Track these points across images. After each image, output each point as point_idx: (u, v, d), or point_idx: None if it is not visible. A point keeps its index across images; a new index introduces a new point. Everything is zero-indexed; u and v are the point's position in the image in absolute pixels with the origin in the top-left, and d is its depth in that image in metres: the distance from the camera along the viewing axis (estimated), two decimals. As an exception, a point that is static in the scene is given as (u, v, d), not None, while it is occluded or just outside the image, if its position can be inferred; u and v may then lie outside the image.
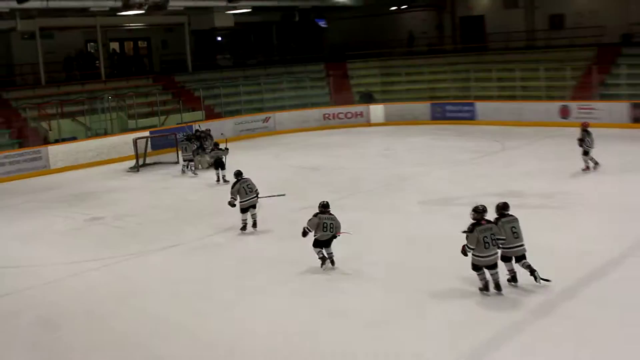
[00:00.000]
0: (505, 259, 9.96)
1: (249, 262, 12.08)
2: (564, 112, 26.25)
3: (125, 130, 26.47)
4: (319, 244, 11.31)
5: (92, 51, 32.27)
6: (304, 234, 11.31)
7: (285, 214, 14.94)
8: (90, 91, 27.94)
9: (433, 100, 30.72)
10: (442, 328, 8.90)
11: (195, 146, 21.50)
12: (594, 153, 17.43)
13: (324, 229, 11.22)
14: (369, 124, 31.02)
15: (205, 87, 30.78)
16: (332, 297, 10.19)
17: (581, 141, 17.24)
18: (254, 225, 14.05)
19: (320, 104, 32.47)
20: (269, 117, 30.29)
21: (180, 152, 22.23)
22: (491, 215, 9.97)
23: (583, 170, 17.40)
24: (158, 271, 11.96)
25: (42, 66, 27.60)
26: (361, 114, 31.20)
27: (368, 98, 32.18)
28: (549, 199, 15.10)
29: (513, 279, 10.00)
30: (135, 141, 23.17)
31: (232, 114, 30.08)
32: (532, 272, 9.88)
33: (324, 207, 11.42)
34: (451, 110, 29.71)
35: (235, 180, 14.09)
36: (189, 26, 32.39)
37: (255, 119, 29.95)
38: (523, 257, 9.92)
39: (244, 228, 13.94)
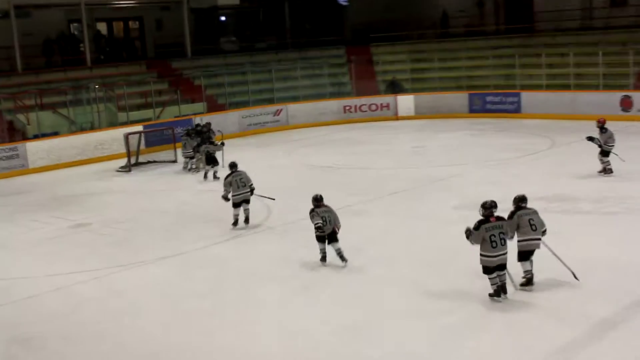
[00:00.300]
0: (523, 256, 10.59)
1: (257, 274, 12.20)
2: (626, 104, 26.11)
3: (114, 124, 26.74)
4: (320, 239, 12.28)
5: (76, 33, 32.64)
6: (317, 227, 12.21)
7: (298, 221, 15.06)
8: (74, 79, 28.26)
9: (471, 90, 30.82)
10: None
11: (196, 142, 21.73)
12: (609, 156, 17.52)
13: (323, 223, 12.11)
14: (396, 117, 31.09)
15: (207, 74, 31.02)
16: (348, 313, 10.28)
17: (594, 140, 17.37)
18: (246, 220, 15.14)
19: (340, 94, 32.58)
20: (281, 110, 30.45)
21: (181, 149, 22.51)
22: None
23: (599, 172, 17.61)
24: (155, 285, 12.06)
25: (18, 50, 27.94)
26: (387, 106, 31.30)
27: (395, 88, 32.21)
28: (605, 204, 15.14)
29: (528, 282, 10.59)
30: (126, 137, 23.39)
31: (237, 106, 30.28)
32: (529, 283, 10.64)
33: (317, 200, 12.35)
34: (492, 102, 29.76)
35: (229, 172, 15.16)
36: (188, 3, 32.67)
37: (264, 112, 30.13)
38: (532, 252, 10.67)
39: (235, 223, 15.08)
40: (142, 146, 24.90)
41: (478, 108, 29.96)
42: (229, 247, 13.97)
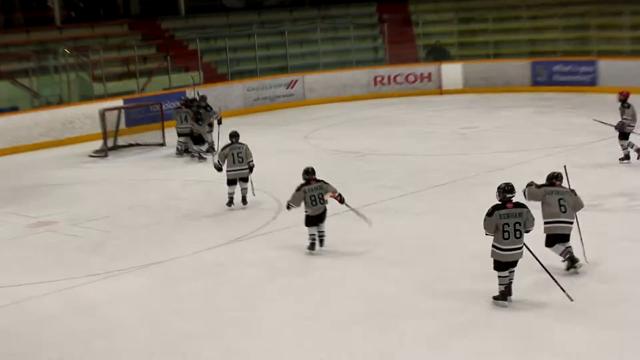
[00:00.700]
0: (552, 240, 11.47)
1: (260, 287, 12.14)
2: None
3: (88, 98, 26.78)
4: (311, 221, 13.13)
5: (42, -15, 32.64)
6: (288, 207, 13.43)
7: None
8: (40, 42, 28.33)
9: (534, 57, 30.80)
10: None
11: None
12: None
13: (312, 203, 13.00)
14: (440, 91, 31.13)
15: (205, 37, 31.02)
16: (369, 342, 10.09)
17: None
18: (243, 200, 16.29)
19: (369, 62, 32.57)
20: (296, 81, 30.46)
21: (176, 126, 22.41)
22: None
23: (621, 160, 18.06)
24: (133, 300, 11.96)
25: (-29, 6, 28.02)
26: (429, 77, 31.30)
27: (439, 54, 32.21)
28: None
29: (571, 260, 11.48)
30: (102, 114, 23.37)
31: (242, 76, 30.31)
32: (573, 261, 11.47)
33: (308, 173, 13.27)
34: (561, 72, 29.79)
35: (228, 142, 16.10)
36: (182, -53, 32.64)
37: (275, 84, 30.13)
38: (568, 237, 11.52)
39: (229, 203, 16.23)
40: (123, 125, 24.94)
41: (543, 80, 30.01)
42: (226, 252, 13.87)
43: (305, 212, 13.10)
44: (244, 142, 16.24)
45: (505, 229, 10.43)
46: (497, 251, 10.60)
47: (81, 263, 13.61)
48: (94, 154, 22.96)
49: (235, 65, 30.65)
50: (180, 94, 26.57)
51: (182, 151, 21.96)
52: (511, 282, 10.69)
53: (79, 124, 25.28)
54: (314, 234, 13.17)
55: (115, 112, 24.37)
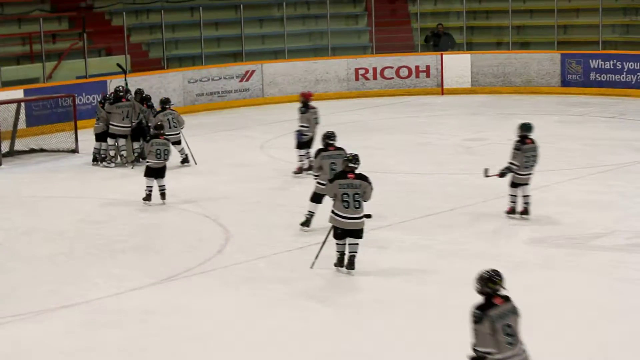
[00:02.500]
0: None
1: (200, 342, 12.10)
2: None
3: (-26, 87, 26.70)
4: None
5: None
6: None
7: (270, 256, 15.06)
8: None
9: (565, 48, 30.99)
10: None
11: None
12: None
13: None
14: (440, 89, 31.30)
15: (133, 10, 31.08)
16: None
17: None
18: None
19: (349, 49, 32.64)
20: (252, 72, 30.58)
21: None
22: None
23: None
24: (33, 356, 11.96)
25: None
26: (427, 72, 31.50)
27: (441, 41, 32.19)
28: None
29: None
30: (-6, 108, 23.39)
31: (182, 63, 30.48)
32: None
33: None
34: (600, 69, 29.96)
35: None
36: None
37: (226, 74, 30.27)
38: None
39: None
40: (22, 124, 24.82)
41: (576, 78, 30.21)
42: (156, 295, 13.89)
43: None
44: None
45: (344, 199, 13.80)
46: (335, 217, 13.95)
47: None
48: (-19, 162, 22.93)
49: (172, 49, 30.67)
50: (99, 84, 26.50)
51: (102, 159, 22.07)
52: (343, 253, 14.04)
53: (-39, 122, 25.25)
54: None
55: (13, 106, 24.18)
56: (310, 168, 18.41)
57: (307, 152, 20.21)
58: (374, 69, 31.50)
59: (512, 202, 17.05)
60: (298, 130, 20.48)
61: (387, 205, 17.82)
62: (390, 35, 32.83)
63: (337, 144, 16.25)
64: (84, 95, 25.68)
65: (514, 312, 9.56)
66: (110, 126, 21.97)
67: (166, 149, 18.25)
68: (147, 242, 16.21)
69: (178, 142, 21.74)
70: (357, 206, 13.90)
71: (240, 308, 13.21)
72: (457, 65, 31.29)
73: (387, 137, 24.65)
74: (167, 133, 20.10)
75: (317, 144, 17.95)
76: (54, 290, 14.07)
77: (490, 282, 9.63)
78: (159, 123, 19.86)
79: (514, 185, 17.05)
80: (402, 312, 12.76)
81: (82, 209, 18.80)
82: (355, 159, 14.24)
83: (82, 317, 13.09)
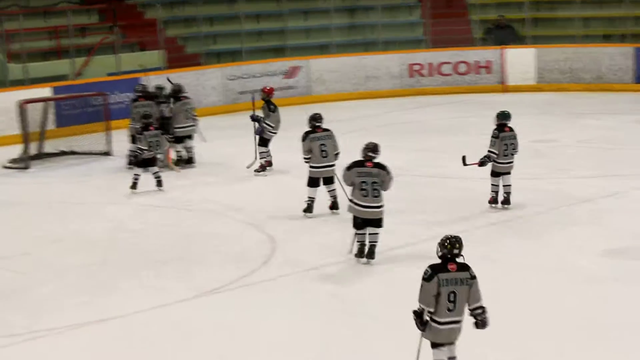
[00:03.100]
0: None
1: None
2: None
3: (1, 84, 27.06)
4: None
5: None
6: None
7: (322, 267, 15.16)
8: None
9: (638, 42, 30.91)
10: None
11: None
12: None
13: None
14: (503, 87, 31.39)
15: (167, 1, 31.28)
16: None
17: None
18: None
19: (403, 44, 32.68)
20: (298, 68, 30.70)
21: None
22: None
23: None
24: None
25: None
26: (488, 67, 31.59)
27: (504, 34, 32.15)
28: None
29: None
30: (22, 107, 23.61)
31: (220, 58, 30.63)
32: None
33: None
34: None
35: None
36: None
37: (268, 71, 30.44)
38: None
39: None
40: (51, 125, 25.08)
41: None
42: (198, 309, 13.94)
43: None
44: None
45: (362, 187, 14.93)
46: (354, 206, 15.06)
47: (-8, 319, 13.73)
48: (9, 165, 23.19)
49: (211, 43, 30.82)
50: (132, 81, 26.53)
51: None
52: (364, 243, 15.12)
53: (-12, 122, 25.51)
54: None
55: (41, 105, 24.42)
56: (264, 168, 21.51)
57: (268, 150, 21.86)
58: (430, 65, 31.58)
59: (493, 191, 18.38)
60: (262, 127, 21.58)
61: (446, 212, 18.05)
62: (447, 27, 32.80)
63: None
64: (116, 93, 25.83)
65: (464, 282, 10.66)
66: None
67: (158, 140, 20.14)
68: (186, 252, 16.26)
69: (189, 137, 22.40)
70: (376, 195, 15.00)
71: (289, 324, 13.18)
72: (520, 61, 31.33)
73: (444, 139, 24.72)
74: (181, 125, 21.76)
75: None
76: (86, 302, 14.19)
77: (446, 246, 10.89)
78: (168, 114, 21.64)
79: (495, 174, 18.34)
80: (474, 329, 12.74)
81: (116, 216, 18.99)
82: (375, 148, 15.26)
83: (118, 332, 13.17)
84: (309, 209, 17.85)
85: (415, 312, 10.53)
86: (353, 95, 30.40)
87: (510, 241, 16.55)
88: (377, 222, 15.12)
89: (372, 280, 14.58)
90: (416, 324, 10.48)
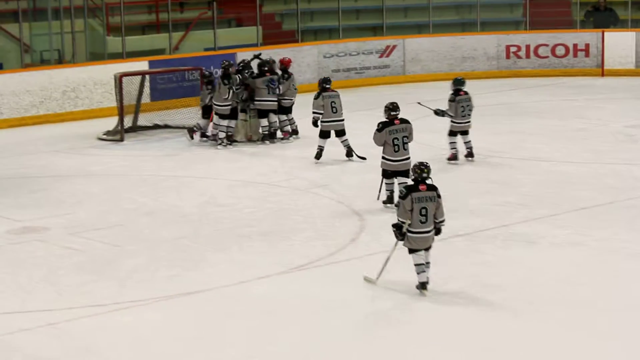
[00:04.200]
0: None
1: (331, 332, 12.16)
2: None
3: (99, 57, 27.22)
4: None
5: None
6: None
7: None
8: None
9: None
10: None
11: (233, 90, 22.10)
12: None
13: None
14: (601, 70, 31.06)
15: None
16: None
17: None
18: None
19: (500, 24, 32.44)
20: (394, 47, 30.60)
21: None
22: None
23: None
24: (149, 345, 12.05)
25: None
26: (586, 50, 31.26)
27: (603, 17, 31.81)
28: None
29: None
30: (119, 80, 23.70)
31: (316, 35, 30.64)
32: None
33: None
34: None
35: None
36: None
37: (364, 49, 30.41)
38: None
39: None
40: (147, 98, 25.25)
41: None
42: (284, 284, 14.00)
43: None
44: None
45: (395, 143, 16.76)
46: (387, 162, 16.97)
47: (79, 288, 13.79)
48: (104, 137, 23.35)
49: (307, 21, 30.82)
50: (229, 57, 26.47)
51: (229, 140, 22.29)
52: (393, 191, 16.88)
53: (85, 93, 25.65)
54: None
55: (137, 78, 24.57)
56: (295, 132, 23.14)
57: (291, 118, 23.24)
58: (527, 47, 31.35)
59: (452, 149, 20.67)
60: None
61: (536, 196, 17.98)
62: (546, 9, 32.60)
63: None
64: (212, 68, 25.83)
65: (432, 199, 13.18)
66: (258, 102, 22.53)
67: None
68: (275, 228, 16.30)
69: (273, 111, 22.69)
70: (406, 147, 16.90)
71: (375, 303, 13.20)
72: (620, 44, 31.00)
73: (539, 122, 24.58)
74: (263, 98, 22.33)
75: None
76: (175, 275, 14.31)
77: (417, 172, 13.27)
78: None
79: (453, 133, 20.73)
80: (556, 316, 12.45)
81: (207, 191, 19.11)
82: (397, 106, 17.23)
83: (205, 306, 13.25)
84: (317, 155, 20.77)
85: (395, 225, 13.10)
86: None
87: (599, 224, 16.31)
88: (407, 173, 16.38)
89: (459, 261, 14.45)
90: (395, 234, 13.09)
